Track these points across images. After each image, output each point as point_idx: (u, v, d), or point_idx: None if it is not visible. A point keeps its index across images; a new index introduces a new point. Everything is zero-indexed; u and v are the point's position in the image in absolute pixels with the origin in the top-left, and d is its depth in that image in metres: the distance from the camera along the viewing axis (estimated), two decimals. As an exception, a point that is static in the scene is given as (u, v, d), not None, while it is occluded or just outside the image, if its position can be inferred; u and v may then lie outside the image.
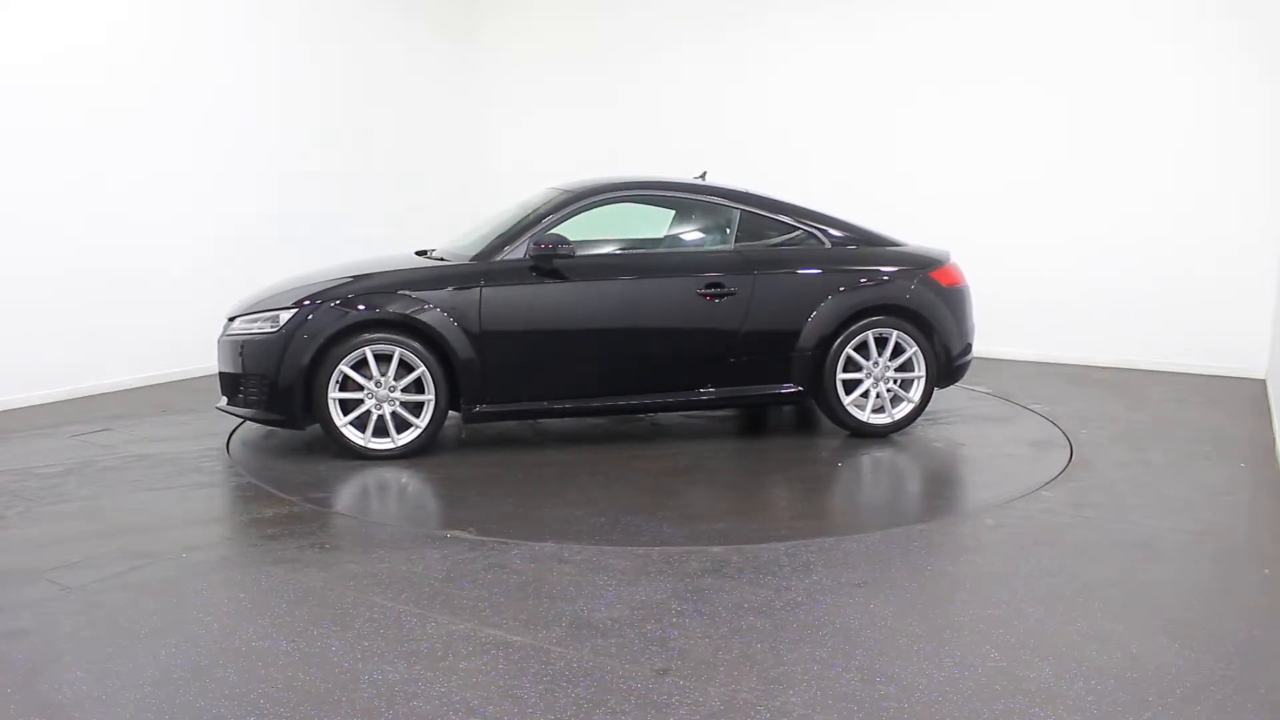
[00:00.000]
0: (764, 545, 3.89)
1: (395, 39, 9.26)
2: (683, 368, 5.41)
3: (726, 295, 5.33)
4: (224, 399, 5.37)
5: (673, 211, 5.80)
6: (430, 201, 9.58)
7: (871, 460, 5.24)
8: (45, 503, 4.41)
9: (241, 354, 5.15)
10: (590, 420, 6.05)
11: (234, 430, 5.77)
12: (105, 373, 6.83)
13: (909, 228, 6.46)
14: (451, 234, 6.40)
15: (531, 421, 6.03)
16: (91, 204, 6.65)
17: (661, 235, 5.88)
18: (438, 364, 5.07)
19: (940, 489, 4.92)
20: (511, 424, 6.01)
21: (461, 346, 5.09)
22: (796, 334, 5.41)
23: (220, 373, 5.38)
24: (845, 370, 5.46)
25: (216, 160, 7.50)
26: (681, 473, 5.00)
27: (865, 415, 5.52)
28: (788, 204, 5.70)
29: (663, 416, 6.13)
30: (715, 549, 3.85)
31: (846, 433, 5.62)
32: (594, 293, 5.29)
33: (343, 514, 4.35)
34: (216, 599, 3.38)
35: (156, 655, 2.96)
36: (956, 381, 5.85)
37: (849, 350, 5.44)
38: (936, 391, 5.71)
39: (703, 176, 6.08)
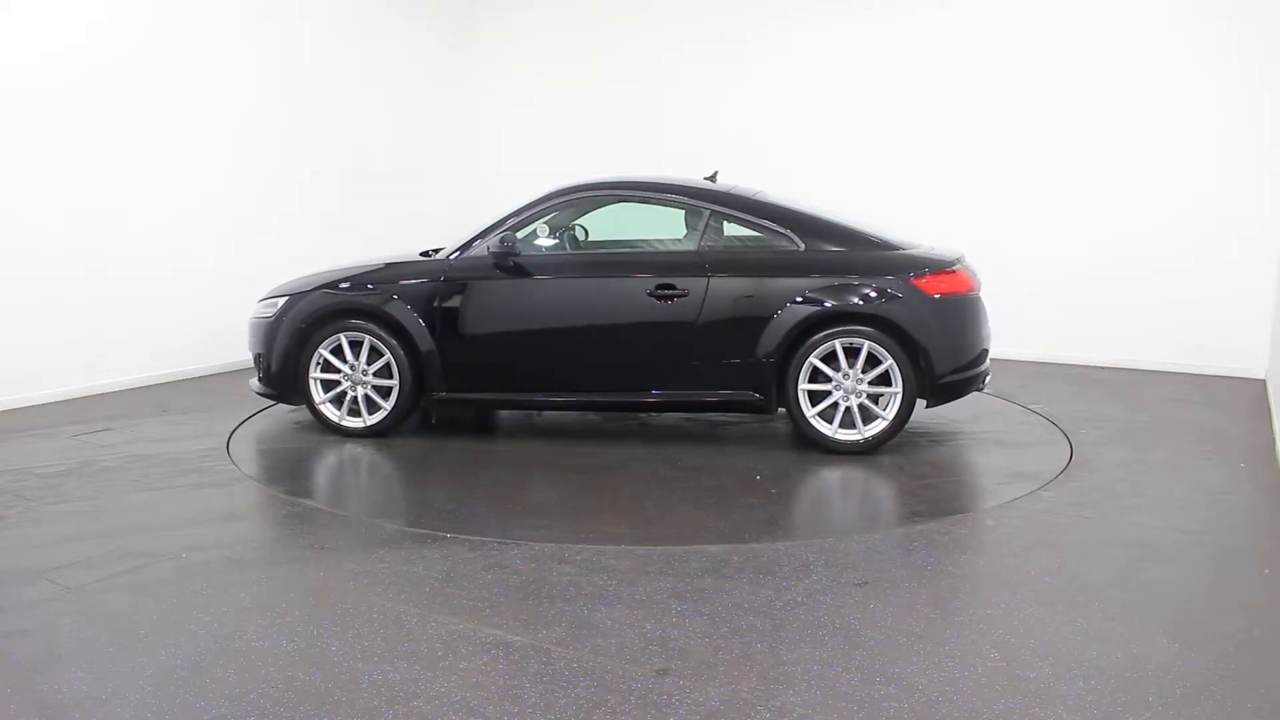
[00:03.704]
0: (764, 545, 3.89)
1: (395, 39, 9.25)
2: (634, 368, 5.36)
3: (678, 297, 5.23)
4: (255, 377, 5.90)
5: (659, 211, 5.77)
6: (429, 201, 9.55)
7: (852, 464, 5.15)
8: (45, 503, 4.42)
9: (253, 335, 5.82)
10: (588, 416, 6.05)
11: (234, 430, 5.77)
12: (105, 373, 6.83)
13: (908, 228, 6.45)
14: (458, 234, 6.41)
15: (536, 413, 6.08)
16: (91, 204, 6.64)
17: (632, 235, 5.89)
18: (405, 352, 5.42)
19: (939, 489, 4.90)
20: (505, 410, 6.08)
21: (423, 338, 5.42)
22: (754, 340, 5.17)
23: (252, 353, 5.93)
24: (814, 381, 5.18)
25: (216, 161, 7.49)
26: (593, 471, 5.01)
27: (831, 430, 5.20)
28: (765, 204, 5.45)
29: (660, 417, 6.12)
30: (715, 549, 3.85)
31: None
32: (545, 290, 5.41)
33: (336, 512, 4.36)
34: (216, 599, 3.38)
35: (156, 655, 2.96)
36: (953, 400, 5.37)
37: (814, 360, 5.13)
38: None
39: (713, 176, 6.03)
